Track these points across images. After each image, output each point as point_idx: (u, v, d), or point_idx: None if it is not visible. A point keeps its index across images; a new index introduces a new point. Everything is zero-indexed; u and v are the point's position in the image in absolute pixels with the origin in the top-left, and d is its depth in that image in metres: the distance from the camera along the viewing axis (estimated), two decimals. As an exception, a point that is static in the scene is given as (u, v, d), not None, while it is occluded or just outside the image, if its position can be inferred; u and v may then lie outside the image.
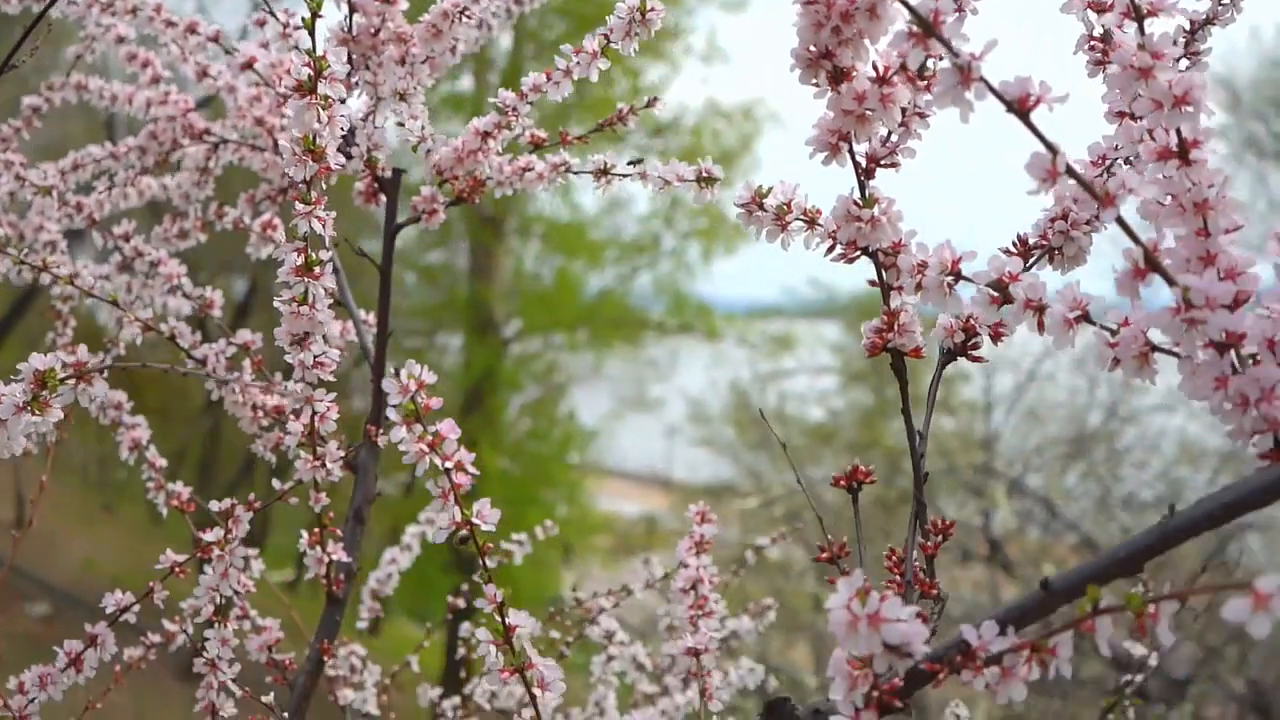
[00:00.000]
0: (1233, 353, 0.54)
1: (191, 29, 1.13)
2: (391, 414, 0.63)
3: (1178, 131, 0.55)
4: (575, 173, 1.00)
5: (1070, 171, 0.52)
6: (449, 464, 0.64)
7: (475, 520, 0.65)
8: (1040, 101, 0.52)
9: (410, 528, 1.51)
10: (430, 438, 0.64)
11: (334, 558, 0.99)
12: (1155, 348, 0.56)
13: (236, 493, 1.09)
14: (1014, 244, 0.71)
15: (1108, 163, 0.70)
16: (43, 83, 1.34)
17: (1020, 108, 0.52)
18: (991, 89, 0.52)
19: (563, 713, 1.48)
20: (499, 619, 0.66)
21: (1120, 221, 0.53)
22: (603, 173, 0.97)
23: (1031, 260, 0.71)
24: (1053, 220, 0.70)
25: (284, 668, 1.03)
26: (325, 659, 1.02)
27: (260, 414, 1.05)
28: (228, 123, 1.29)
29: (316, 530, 0.98)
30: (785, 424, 9.33)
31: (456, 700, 1.41)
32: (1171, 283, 0.52)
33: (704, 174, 0.88)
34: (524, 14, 1.12)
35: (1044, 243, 0.70)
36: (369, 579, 1.48)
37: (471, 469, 0.65)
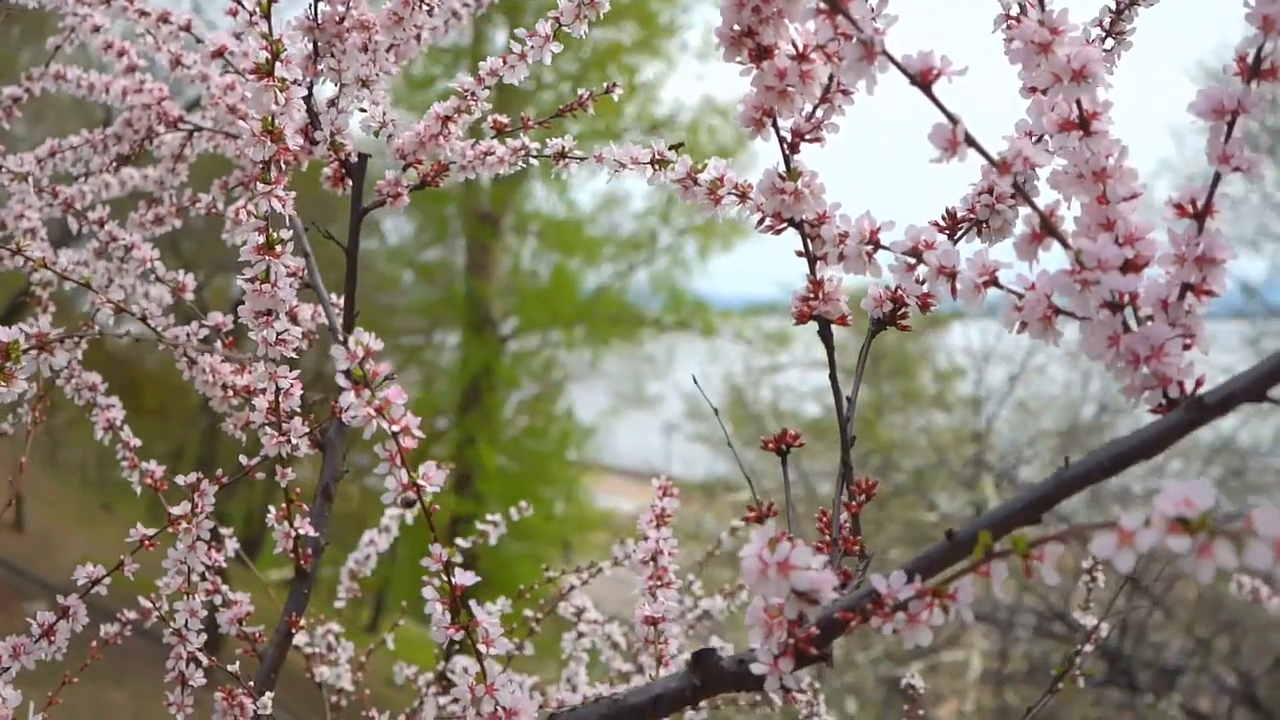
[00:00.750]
0: (1131, 312, 0.57)
1: (164, 19, 1.16)
2: (340, 380, 0.66)
3: (1078, 103, 0.58)
4: (535, 157, 1.02)
5: (969, 141, 0.55)
6: (396, 428, 0.67)
7: (421, 482, 0.68)
8: (941, 74, 0.54)
9: (389, 510, 1.53)
10: (379, 402, 0.67)
11: (301, 532, 1.02)
12: (1059, 310, 0.59)
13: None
14: (942, 217, 0.74)
15: (1033, 138, 0.73)
16: (22, 73, 1.37)
17: (923, 80, 0.55)
18: (894, 62, 0.54)
19: (539, 690, 1.51)
20: (445, 578, 0.69)
21: (1017, 188, 0.55)
22: (560, 156, 1.00)
23: (960, 233, 0.73)
24: (979, 194, 0.73)
25: (254, 640, 1.06)
26: (294, 631, 1.04)
27: (230, 394, 1.08)
28: (208, 114, 1.32)
29: (283, 506, 1.01)
30: (781, 419, 9.37)
31: (430, 676, 1.44)
32: (1066, 246, 0.55)
33: (657, 156, 0.91)
34: (520, 14, 1.15)
35: (971, 216, 0.73)
36: (348, 560, 1.51)
37: (418, 433, 0.68)
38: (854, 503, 0.69)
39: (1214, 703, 6.34)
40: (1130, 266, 0.57)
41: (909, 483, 6.80)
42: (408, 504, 0.68)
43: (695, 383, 0.82)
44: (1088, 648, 1.13)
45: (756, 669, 0.58)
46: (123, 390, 1.22)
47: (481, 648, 0.69)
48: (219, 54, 1.13)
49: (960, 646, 5.54)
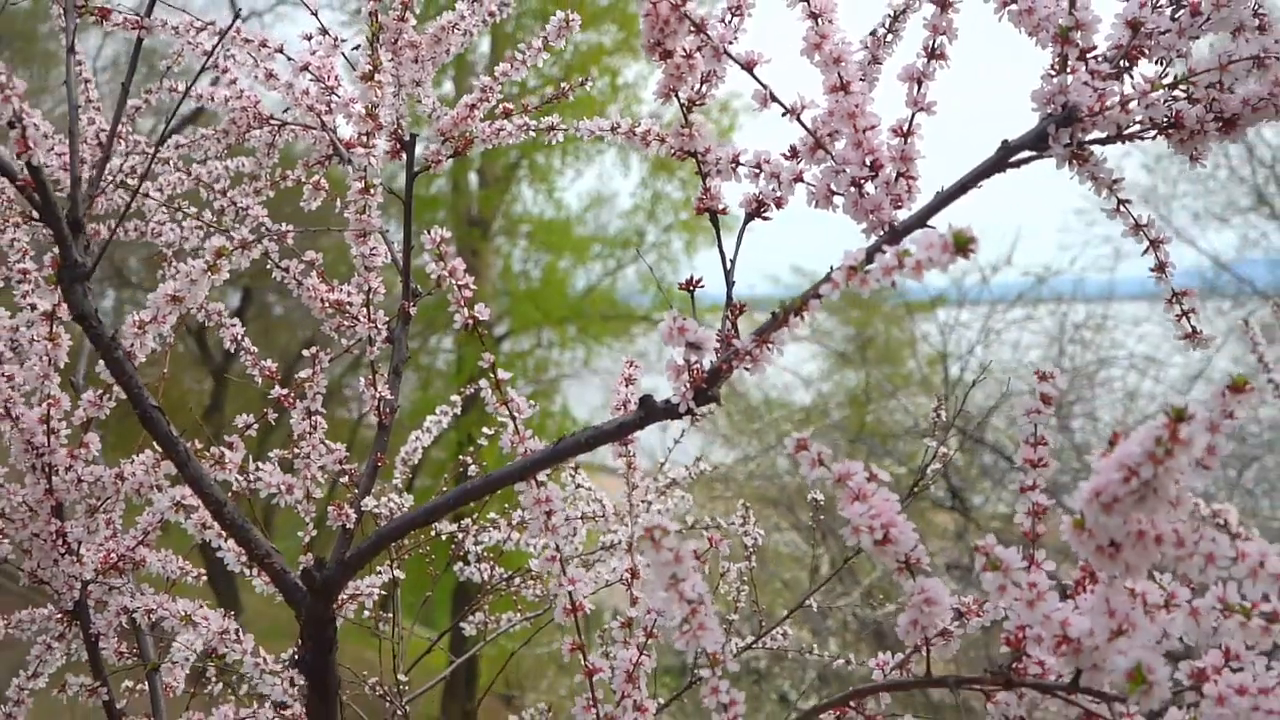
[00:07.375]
0: (871, 187, 1.03)
1: (263, 44, 1.61)
2: (426, 255, 1.12)
3: (838, 74, 1.04)
4: (534, 131, 1.49)
5: (773, 98, 1.01)
6: (460, 283, 1.13)
7: (477, 314, 1.13)
8: (758, 62, 1.00)
9: (429, 417, 1.99)
10: (449, 269, 1.12)
11: (383, 395, 1.47)
12: (834, 192, 1.05)
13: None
14: (789, 149, 1.19)
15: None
16: (142, 88, 1.83)
17: (748, 67, 1.01)
18: (731, 57, 1.00)
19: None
20: (493, 376, 1.15)
21: (800, 123, 1.01)
22: (552, 129, 1.46)
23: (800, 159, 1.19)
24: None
25: (351, 475, 1.52)
26: (379, 465, 1.50)
27: (325, 305, 1.54)
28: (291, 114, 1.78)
29: (369, 377, 1.47)
30: (773, 408, 9.80)
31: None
32: (828, 153, 1.01)
33: (616, 125, 1.37)
34: (501, 20, 1.60)
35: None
36: (400, 451, 1.97)
37: (473, 286, 1.13)
38: (733, 314, 1.15)
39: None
40: (873, 167, 1.03)
41: (894, 459, 7.29)
42: (467, 327, 1.14)
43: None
44: (935, 466, 1.58)
45: (674, 398, 1.04)
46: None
47: (516, 414, 1.15)
48: (304, 68, 1.59)
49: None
